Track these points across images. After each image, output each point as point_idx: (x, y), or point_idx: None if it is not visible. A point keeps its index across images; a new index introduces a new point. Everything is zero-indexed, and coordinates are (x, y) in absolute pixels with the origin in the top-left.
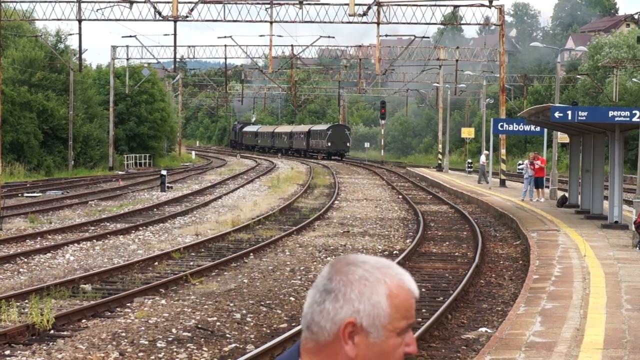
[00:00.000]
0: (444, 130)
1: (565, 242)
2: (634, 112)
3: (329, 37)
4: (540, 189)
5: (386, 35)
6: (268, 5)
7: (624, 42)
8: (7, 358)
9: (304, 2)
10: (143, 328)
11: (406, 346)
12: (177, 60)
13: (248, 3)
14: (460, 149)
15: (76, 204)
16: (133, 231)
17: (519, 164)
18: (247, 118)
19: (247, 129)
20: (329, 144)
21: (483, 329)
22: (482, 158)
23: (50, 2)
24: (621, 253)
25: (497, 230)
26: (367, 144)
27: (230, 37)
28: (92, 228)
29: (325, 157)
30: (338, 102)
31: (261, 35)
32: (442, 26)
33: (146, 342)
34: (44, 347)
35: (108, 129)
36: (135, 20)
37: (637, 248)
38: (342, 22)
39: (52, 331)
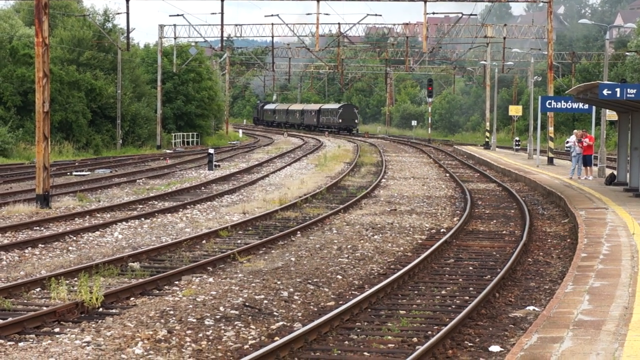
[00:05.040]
0: (492, 108)
1: (613, 220)
2: None
3: (375, 15)
4: (588, 167)
5: (433, 13)
6: None
7: None
8: (57, 335)
9: None
10: (191, 306)
11: None
12: (224, 39)
13: None
14: (507, 126)
15: (124, 182)
16: (181, 209)
17: (567, 142)
18: (294, 97)
19: (267, 107)
20: (340, 121)
21: (531, 308)
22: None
23: None
24: None
25: (545, 208)
26: (414, 122)
27: (277, 15)
28: (140, 206)
29: (336, 132)
30: (385, 80)
31: (308, 14)
32: (489, 3)
33: (194, 320)
34: (93, 325)
35: (156, 107)
36: None
37: None
38: (389, 0)
39: (101, 309)
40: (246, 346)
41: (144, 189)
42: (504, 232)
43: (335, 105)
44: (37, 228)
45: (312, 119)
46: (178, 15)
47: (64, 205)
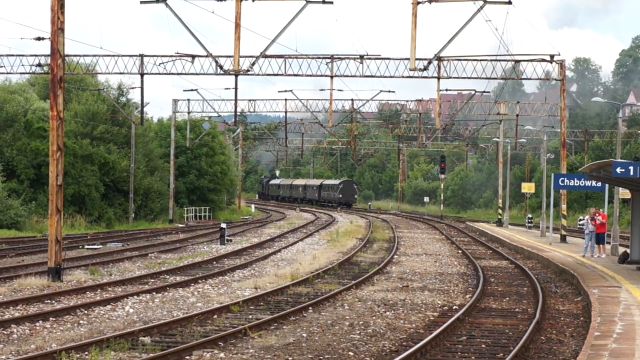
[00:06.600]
0: (504, 185)
1: (627, 298)
2: None
3: (389, 91)
4: (601, 245)
5: (446, 90)
6: (329, 60)
7: None
8: None
9: (365, 57)
10: None
11: None
12: (238, 113)
13: (309, 57)
14: (520, 204)
15: (136, 256)
16: (192, 284)
17: (580, 220)
18: (306, 172)
19: (272, 182)
20: (340, 196)
21: None
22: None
23: (113, 56)
24: None
25: (557, 286)
26: (426, 199)
27: (291, 91)
28: (152, 280)
29: (336, 206)
30: (398, 156)
31: (321, 90)
32: (502, 81)
33: None
34: None
35: (169, 181)
36: (196, 74)
37: None
38: (403, 77)
39: None
40: None
41: (155, 263)
42: (517, 309)
43: (336, 181)
44: (49, 301)
45: (313, 194)
46: (192, 90)
47: (76, 278)
